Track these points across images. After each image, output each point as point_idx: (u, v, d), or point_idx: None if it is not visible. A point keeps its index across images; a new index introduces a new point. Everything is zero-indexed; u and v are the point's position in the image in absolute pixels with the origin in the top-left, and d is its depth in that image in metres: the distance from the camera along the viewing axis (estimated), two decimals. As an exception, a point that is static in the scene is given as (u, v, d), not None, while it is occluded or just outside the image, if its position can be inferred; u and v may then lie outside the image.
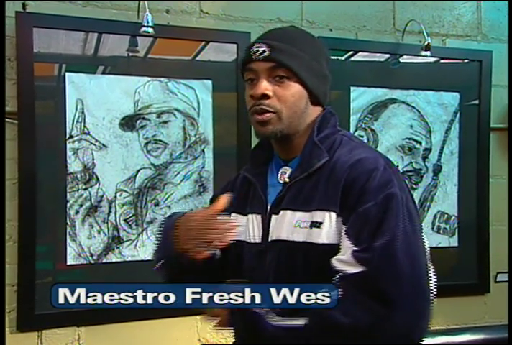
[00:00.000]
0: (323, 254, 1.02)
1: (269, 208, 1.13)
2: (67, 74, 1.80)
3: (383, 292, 0.93)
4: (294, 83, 1.08)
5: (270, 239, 1.11)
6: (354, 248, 0.97)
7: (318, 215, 1.04)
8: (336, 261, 0.99)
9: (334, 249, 1.01)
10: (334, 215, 1.02)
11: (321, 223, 1.03)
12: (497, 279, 2.32)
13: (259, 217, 1.15)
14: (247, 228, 1.17)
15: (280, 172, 1.15)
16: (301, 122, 1.11)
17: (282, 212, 1.10)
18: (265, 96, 1.07)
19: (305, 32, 1.17)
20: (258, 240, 1.14)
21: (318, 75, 1.12)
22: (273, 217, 1.12)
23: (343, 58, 2.12)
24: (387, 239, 0.96)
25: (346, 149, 1.09)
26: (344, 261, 0.98)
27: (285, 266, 1.08)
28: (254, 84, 1.09)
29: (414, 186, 2.21)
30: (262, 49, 1.08)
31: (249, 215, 1.18)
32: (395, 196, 0.99)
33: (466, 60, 2.28)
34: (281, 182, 1.14)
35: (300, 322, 0.97)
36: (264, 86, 1.07)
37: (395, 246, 0.95)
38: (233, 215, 1.21)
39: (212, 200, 1.31)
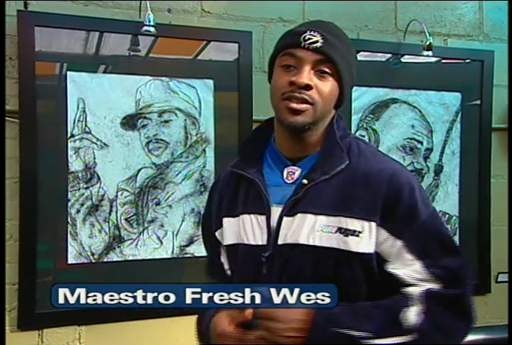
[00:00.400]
0: (358, 263, 1.03)
1: (277, 209, 1.07)
2: (68, 73, 1.80)
3: (470, 313, 1.02)
4: (334, 81, 1.05)
5: (281, 242, 1.06)
6: (422, 262, 1.02)
7: (354, 223, 1.02)
8: (405, 277, 1.02)
9: (371, 257, 1.03)
10: (373, 224, 1.02)
11: (360, 232, 1.02)
12: (498, 280, 2.32)
13: (261, 218, 1.09)
14: (243, 228, 1.11)
15: (285, 172, 1.10)
16: (324, 121, 1.09)
17: (300, 215, 1.05)
18: (307, 86, 1.02)
19: (345, 34, 1.13)
20: (261, 242, 1.08)
21: (353, 78, 1.11)
22: (285, 219, 1.06)
23: (344, 58, 2.12)
24: (452, 254, 1.05)
25: (369, 155, 1.08)
26: (418, 278, 1.01)
27: (303, 271, 1.04)
28: (292, 71, 1.04)
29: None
30: (316, 38, 1.03)
31: (245, 216, 1.11)
32: (435, 209, 1.09)
33: (468, 60, 2.27)
34: (288, 182, 1.09)
35: (401, 340, 0.98)
36: (309, 76, 1.03)
37: (461, 260, 1.06)
38: (224, 220, 1.15)
39: (204, 215, 1.27)
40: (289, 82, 1.03)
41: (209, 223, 1.21)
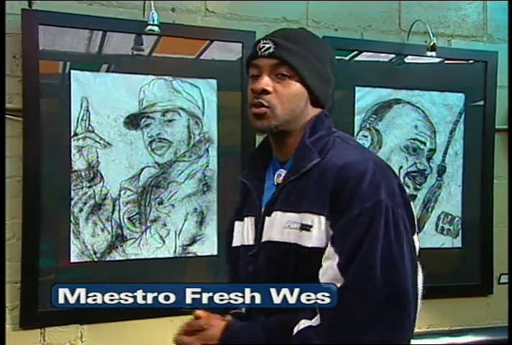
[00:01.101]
0: (311, 258, 1.02)
1: (263, 210, 1.14)
2: (72, 72, 1.81)
3: (360, 308, 0.94)
4: (295, 82, 1.09)
5: (262, 240, 1.12)
6: (338, 259, 0.97)
7: (307, 218, 1.04)
8: (322, 277, 0.99)
9: (322, 252, 1.01)
10: (323, 218, 1.02)
11: (310, 226, 1.03)
12: (501, 281, 2.31)
13: (253, 219, 1.17)
14: (243, 231, 1.19)
15: (276, 174, 1.16)
16: (298, 121, 1.12)
17: (274, 213, 1.10)
18: (265, 91, 1.08)
19: (312, 34, 1.18)
20: (252, 242, 1.15)
21: (321, 76, 1.12)
22: (266, 219, 1.12)
23: (348, 58, 2.12)
24: (364, 252, 0.95)
25: (337, 150, 1.09)
26: (331, 278, 0.98)
27: (275, 267, 1.08)
28: (256, 79, 1.10)
29: (418, 187, 2.21)
30: (268, 45, 1.09)
31: (245, 219, 1.19)
32: (381, 204, 0.98)
33: (471, 61, 2.27)
34: (276, 184, 1.14)
35: None
36: (265, 82, 1.08)
37: (372, 261, 0.95)
38: (236, 222, 1.24)
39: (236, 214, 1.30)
40: (251, 89, 1.11)
41: (231, 230, 1.28)
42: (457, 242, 2.25)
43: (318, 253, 1.01)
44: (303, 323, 0.99)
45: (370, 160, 1.05)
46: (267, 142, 1.20)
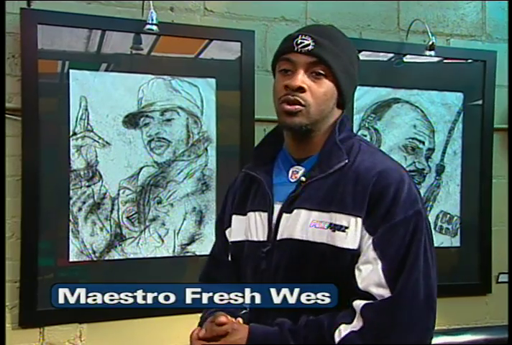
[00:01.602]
0: (344, 258, 1.03)
1: (279, 206, 1.11)
2: (71, 71, 1.81)
3: (404, 316, 0.98)
4: (329, 82, 1.08)
5: (279, 238, 1.10)
6: (381, 265, 0.99)
7: (341, 219, 1.03)
8: (365, 280, 1.00)
9: (355, 254, 1.02)
10: (359, 220, 1.02)
11: (346, 227, 1.03)
12: (499, 280, 2.32)
13: (264, 215, 1.13)
14: (248, 226, 1.16)
15: (290, 171, 1.14)
16: (325, 121, 1.11)
17: (295, 211, 1.09)
18: (301, 89, 1.06)
19: (343, 34, 1.16)
20: (263, 238, 1.13)
21: (351, 78, 1.12)
22: (284, 215, 1.10)
23: (347, 57, 2.12)
24: (412, 261, 0.99)
25: (367, 155, 1.09)
26: (376, 283, 0.99)
27: (296, 266, 1.07)
28: (288, 75, 1.08)
29: (417, 186, 2.20)
30: (307, 42, 1.07)
31: (251, 213, 1.17)
32: (421, 213, 1.03)
33: (470, 60, 2.27)
34: (292, 181, 1.13)
35: None
36: (302, 79, 1.06)
37: (418, 269, 1.00)
38: (233, 217, 1.22)
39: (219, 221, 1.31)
40: (284, 86, 1.08)
41: (222, 221, 1.28)
42: (456, 241, 2.26)
43: (348, 254, 1.02)
44: (345, 329, 0.99)
45: (401, 168, 1.10)
46: (276, 135, 1.19)
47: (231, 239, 1.22)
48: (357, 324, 0.98)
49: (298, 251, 1.07)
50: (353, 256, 1.02)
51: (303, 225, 1.07)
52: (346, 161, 1.07)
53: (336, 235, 1.03)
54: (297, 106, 1.07)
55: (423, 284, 0.99)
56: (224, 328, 1.03)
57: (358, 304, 0.99)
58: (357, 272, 1.01)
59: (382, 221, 1.01)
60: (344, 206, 1.04)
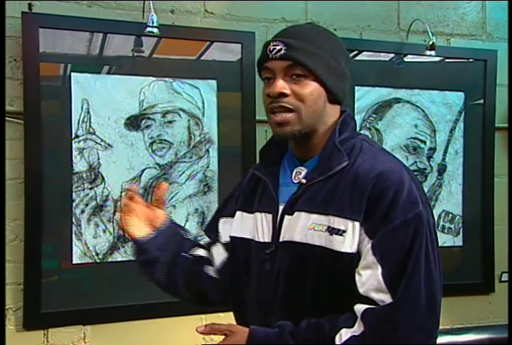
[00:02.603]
0: (342, 262, 1.02)
1: (282, 207, 1.11)
2: (72, 74, 1.81)
3: (404, 323, 0.96)
4: (311, 81, 1.06)
5: (281, 240, 1.10)
6: (381, 269, 0.98)
7: (339, 222, 1.02)
8: (365, 285, 0.99)
9: (353, 258, 1.01)
10: (357, 224, 1.01)
11: (344, 231, 1.01)
12: (502, 279, 2.32)
13: (269, 216, 1.13)
14: (255, 226, 1.16)
15: (294, 172, 1.13)
16: (320, 121, 1.10)
17: (296, 213, 1.08)
18: (283, 95, 1.05)
19: (322, 29, 1.15)
20: (267, 239, 1.12)
21: (336, 72, 1.10)
22: (286, 217, 1.10)
23: (347, 58, 2.12)
24: (412, 265, 0.97)
25: (368, 155, 1.07)
26: (375, 288, 0.98)
27: (297, 269, 1.07)
28: (270, 83, 1.08)
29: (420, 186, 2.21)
30: (278, 47, 1.06)
31: (257, 214, 1.16)
32: (421, 216, 1.00)
33: (471, 60, 2.27)
34: (295, 182, 1.12)
35: None
36: (281, 85, 1.05)
37: (419, 273, 0.97)
38: (238, 213, 1.22)
39: (223, 202, 1.34)
40: (267, 95, 1.08)
41: (222, 211, 1.30)
42: (458, 241, 2.26)
43: (347, 258, 1.01)
44: (345, 333, 0.98)
45: (403, 168, 1.06)
46: None
47: (232, 234, 1.22)
48: (358, 329, 0.97)
49: (298, 254, 1.07)
50: (352, 260, 1.01)
51: (303, 227, 1.06)
52: (347, 163, 1.06)
53: (333, 239, 1.02)
54: (287, 115, 1.06)
55: (424, 289, 0.97)
56: (223, 328, 1.03)
57: (359, 308, 0.98)
58: (357, 277, 1.00)
59: (381, 224, 0.99)
60: (342, 210, 1.02)
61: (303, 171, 1.12)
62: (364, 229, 1.00)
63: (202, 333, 1.05)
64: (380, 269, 0.98)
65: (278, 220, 1.11)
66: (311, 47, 1.07)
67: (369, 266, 0.99)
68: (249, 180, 1.24)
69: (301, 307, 1.05)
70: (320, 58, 1.07)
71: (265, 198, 1.16)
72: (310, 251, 1.04)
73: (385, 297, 0.97)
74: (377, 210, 1.00)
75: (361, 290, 0.99)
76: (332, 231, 1.02)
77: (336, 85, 1.09)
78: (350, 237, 1.01)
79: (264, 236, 1.13)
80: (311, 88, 1.06)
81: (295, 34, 1.09)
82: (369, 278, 0.98)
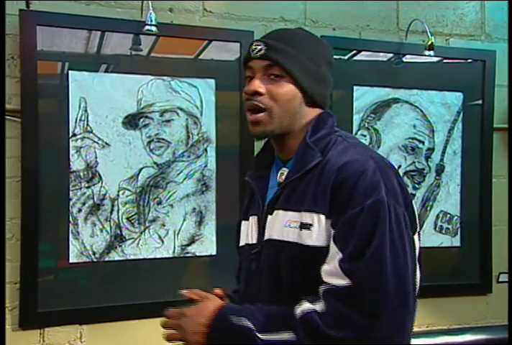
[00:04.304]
0: (312, 256, 1.02)
1: (265, 208, 1.15)
2: (70, 72, 1.81)
3: (369, 306, 0.94)
4: (287, 83, 1.10)
5: (265, 239, 1.13)
6: (341, 256, 0.97)
7: (307, 217, 1.04)
8: (323, 272, 1.00)
9: (323, 251, 1.01)
10: (323, 217, 1.02)
11: (310, 225, 1.03)
12: (500, 280, 2.32)
13: (256, 218, 1.17)
14: (247, 230, 1.20)
15: (279, 173, 1.16)
16: (295, 122, 1.12)
17: (275, 212, 1.11)
18: (257, 93, 1.09)
19: (308, 34, 1.17)
20: (255, 240, 1.16)
21: (314, 76, 1.12)
22: (268, 217, 1.13)
23: (346, 57, 2.12)
24: (373, 251, 0.95)
25: (338, 149, 1.08)
26: (332, 273, 0.98)
27: (275, 266, 1.09)
28: (250, 81, 1.12)
29: (417, 186, 2.21)
30: (259, 47, 1.11)
31: (250, 218, 1.21)
32: (382, 202, 0.98)
33: (469, 60, 2.27)
34: (279, 182, 1.15)
35: (289, 336, 0.97)
36: (257, 83, 1.10)
37: (382, 259, 0.95)
38: (243, 222, 1.25)
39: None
40: (244, 92, 1.13)
41: (239, 225, 1.30)
42: (456, 241, 2.25)
43: (318, 252, 1.01)
44: (308, 307, 0.98)
45: (370, 159, 1.04)
46: (271, 141, 1.21)
47: (240, 245, 1.26)
48: (319, 306, 0.97)
49: (276, 252, 1.09)
50: (321, 253, 1.01)
51: (280, 225, 1.09)
52: (319, 159, 1.07)
53: (302, 233, 1.04)
54: (259, 115, 1.10)
55: (392, 277, 0.94)
56: (201, 294, 1.12)
57: (321, 288, 0.99)
58: (322, 267, 1.00)
59: (341, 214, 0.99)
60: (310, 204, 1.04)
61: (285, 172, 1.15)
62: (330, 221, 1.01)
63: (185, 296, 1.12)
64: (339, 256, 0.98)
65: (262, 220, 1.14)
66: (290, 49, 1.10)
67: (333, 255, 0.99)
68: (248, 189, 1.28)
69: (283, 304, 1.04)
70: (298, 60, 1.10)
71: (255, 202, 1.20)
72: (285, 248, 1.07)
73: (342, 282, 0.96)
74: (338, 200, 1.00)
75: (323, 277, 0.99)
76: (301, 225, 1.04)
77: (312, 88, 1.12)
78: (316, 230, 1.02)
79: (253, 237, 1.17)
80: (286, 89, 1.10)
81: (278, 36, 1.14)
82: (330, 265, 0.99)
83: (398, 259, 0.96)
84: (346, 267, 0.96)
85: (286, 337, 0.97)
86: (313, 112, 1.14)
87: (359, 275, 0.95)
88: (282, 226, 1.08)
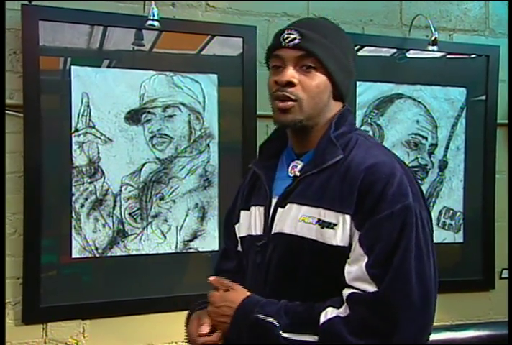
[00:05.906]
0: (334, 256, 1.02)
1: (275, 200, 1.12)
2: (72, 67, 1.80)
3: (392, 314, 0.94)
4: (320, 74, 1.07)
5: (273, 232, 1.11)
6: (367, 260, 0.97)
7: (331, 216, 1.02)
8: (348, 274, 0.99)
9: (345, 251, 1.01)
10: (348, 217, 1.01)
11: (335, 224, 1.02)
12: (502, 276, 2.32)
13: (262, 209, 1.15)
14: (250, 220, 1.18)
15: (290, 166, 1.14)
16: (321, 115, 1.10)
17: (288, 205, 1.09)
18: (290, 84, 1.05)
19: (335, 25, 1.15)
20: (260, 232, 1.14)
21: (345, 69, 1.10)
22: (279, 210, 1.11)
23: (349, 53, 2.11)
24: (400, 258, 0.96)
25: (362, 149, 1.07)
26: (358, 277, 0.98)
27: (287, 261, 1.07)
28: (279, 71, 1.07)
29: (420, 182, 2.20)
30: (293, 36, 1.06)
31: (252, 208, 1.18)
32: (410, 208, 0.99)
33: (473, 55, 2.26)
34: (291, 175, 1.13)
35: (312, 339, 0.97)
36: (291, 74, 1.06)
37: (408, 267, 0.96)
38: (241, 212, 1.23)
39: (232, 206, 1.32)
40: (274, 81, 1.07)
41: (232, 216, 1.29)
42: (459, 237, 2.25)
43: (341, 252, 1.01)
44: (331, 312, 0.98)
45: (396, 162, 1.05)
46: (283, 131, 1.18)
47: (239, 235, 1.24)
48: (343, 311, 0.97)
49: (288, 246, 1.08)
50: (344, 253, 1.01)
51: (293, 219, 1.07)
52: (341, 156, 1.06)
53: (325, 232, 1.02)
54: (288, 103, 1.06)
55: (416, 284, 0.95)
56: (227, 284, 1.10)
57: (346, 292, 0.99)
58: (346, 268, 1.00)
59: (369, 216, 0.99)
60: (333, 203, 1.03)
61: (299, 165, 1.13)
62: (354, 222, 1.00)
63: (211, 283, 1.11)
64: (365, 260, 0.97)
65: (271, 212, 1.12)
66: (325, 41, 1.07)
67: (357, 258, 0.99)
68: (250, 177, 1.25)
69: (291, 299, 1.05)
70: (332, 52, 1.07)
71: (260, 192, 1.17)
72: (300, 244, 1.05)
73: (369, 287, 0.96)
74: (366, 202, 1.00)
75: (347, 280, 0.99)
76: (323, 224, 1.03)
77: (343, 81, 1.10)
78: (341, 230, 1.01)
79: (257, 229, 1.15)
80: (318, 81, 1.07)
81: (309, 25, 1.09)
82: (356, 269, 0.98)
83: (423, 267, 0.98)
84: (373, 273, 0.96)
85: (308, 339, 0.98)
86: (336, 106, 1.13)
87: (386, 283, 0.95)
88: (296, 220, 1.06)
